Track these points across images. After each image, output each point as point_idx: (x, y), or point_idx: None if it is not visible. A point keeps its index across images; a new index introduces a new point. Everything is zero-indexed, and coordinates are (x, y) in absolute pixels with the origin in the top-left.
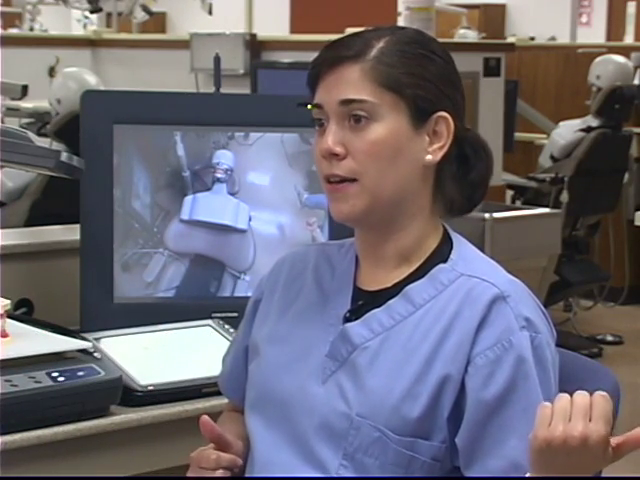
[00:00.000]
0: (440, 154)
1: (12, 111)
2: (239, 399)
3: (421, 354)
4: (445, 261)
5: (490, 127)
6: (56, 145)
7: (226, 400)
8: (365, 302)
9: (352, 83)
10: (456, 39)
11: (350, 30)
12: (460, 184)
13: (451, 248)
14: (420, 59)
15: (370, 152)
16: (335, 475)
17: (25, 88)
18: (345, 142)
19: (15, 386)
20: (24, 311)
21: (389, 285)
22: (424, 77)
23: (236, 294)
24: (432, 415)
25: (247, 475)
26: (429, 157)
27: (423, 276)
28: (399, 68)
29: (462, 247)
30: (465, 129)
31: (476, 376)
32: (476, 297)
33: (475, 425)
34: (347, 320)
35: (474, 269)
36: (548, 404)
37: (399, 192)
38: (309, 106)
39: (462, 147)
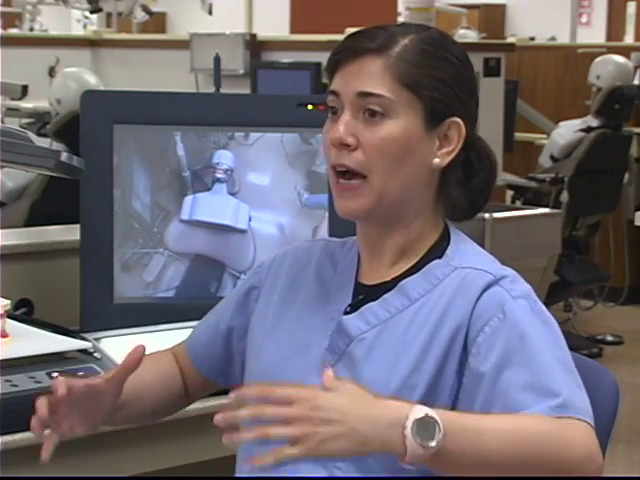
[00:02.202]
0: (448, 159)
1: (12, 111)
2: (198, 364)
3: (417, 346)
4: (441, 257)
5: (490, 127)
6: (56, 145)
7: (225, 400)
8: (365, 296)
9: (372, 76)
10: (456, 39)
11: (350, 30)
12: (464, 189)
13: (449, 244)
14: (442, 62)
15: (380, 147)
16: (335, 471)
17: (25, 88)
18: (357, 134)
19: (15, 386)
20: (24, 311)
21: (388, 279)
22: (443, 80)
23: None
24: (429, 406)
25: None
26: (437, 160)
27: (419, 271)
28: (420, 68)
29: (460, 243)
30: (476, 136)
31: (479, 354)
32: (470, 284)
33: (482, 396)
34: (347, 314)
35: (468, 261)
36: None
37: (404, 192)
38: (309, 106)
39: (468, 153)
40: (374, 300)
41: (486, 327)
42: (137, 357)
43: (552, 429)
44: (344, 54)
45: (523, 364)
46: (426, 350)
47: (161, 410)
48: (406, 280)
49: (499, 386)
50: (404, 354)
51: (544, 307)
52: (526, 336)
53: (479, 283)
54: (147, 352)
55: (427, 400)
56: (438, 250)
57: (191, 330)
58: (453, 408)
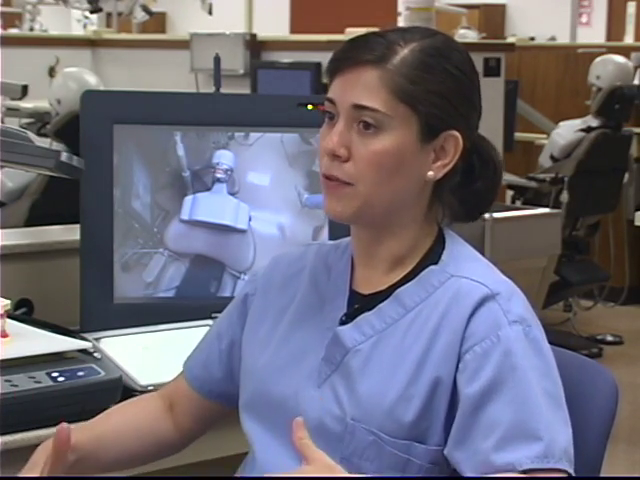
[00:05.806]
0: (443, 171)
1: (12, 111)
2: (198, 386)
3: (413, 356)
4: (436, 263)
5: (490, 127)
6: (56, 145)
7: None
8: (361, 306)
9: (368, 88)
10: (456, 39)
11: (350, 30)
12: (462, 194)
13: (444, 249)
14: (442, 75)
15: (372, 161)
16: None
17: (25, 88)
18: (350, 145)
19: (15, 386)
20: (24, 311)
21: (383, 288)
22: (442, 95)
23: (236, 294)
24: (427, 417)
25: (247, 475)
26: (431, 173)
27: (414, 278)
28: (418, 83)
29: (455, 247)
30: (481, 138)
31: (465, 372)
32: (464, 296)
33: (462, 420)
34: (343, 324)
35: (464, 269)
36: None
37: (393, 202)
38: (309, 106)
39: (470, 158)
40: (370, 309)
41: (477, 346)
42: (63, 439)
43: None
44: (342, 62)
45: (510, 398)
46: (422, 361)
47: (145, 455)
48: (401, 288)
49: (482, 415)
50: (400, 365)
51: (538, 332)
52: (518, 368)
53: (474, 296)
54: (146, 351)
55: (424, 413)
56: (433, 255)
57: (191, 330)
58: (446, 425)
